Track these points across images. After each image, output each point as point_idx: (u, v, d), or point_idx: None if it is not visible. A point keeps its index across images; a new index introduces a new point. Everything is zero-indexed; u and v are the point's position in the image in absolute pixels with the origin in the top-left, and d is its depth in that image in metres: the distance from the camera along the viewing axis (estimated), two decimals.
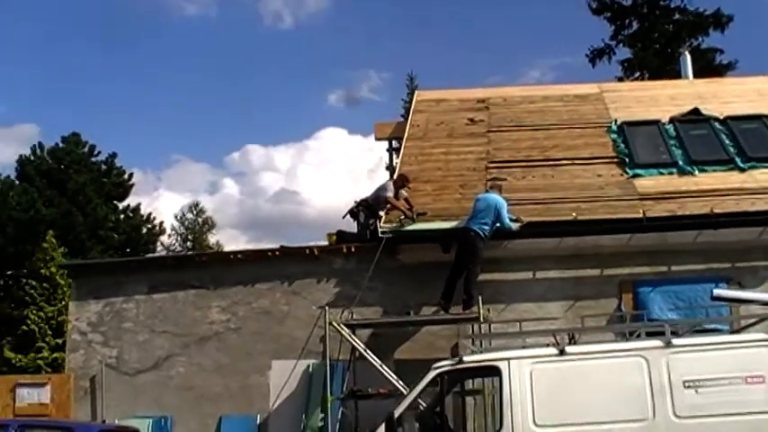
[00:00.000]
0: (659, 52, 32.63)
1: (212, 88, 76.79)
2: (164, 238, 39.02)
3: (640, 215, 13.93)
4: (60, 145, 35.03)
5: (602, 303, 13.85)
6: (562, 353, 9.39)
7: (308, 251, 14.99)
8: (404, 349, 14.10)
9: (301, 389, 14.25)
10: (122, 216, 35.23)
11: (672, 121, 16.88)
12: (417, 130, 17.61)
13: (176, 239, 42.54)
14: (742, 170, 15.21)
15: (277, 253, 15.22)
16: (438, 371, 9.63)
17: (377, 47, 75.58)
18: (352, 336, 13.49)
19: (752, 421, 8.69)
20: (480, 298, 13.20)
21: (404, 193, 14.93)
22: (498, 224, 13.55)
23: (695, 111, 17.06)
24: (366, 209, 14.96)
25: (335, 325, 13.33)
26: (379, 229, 14.31)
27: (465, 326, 13.44)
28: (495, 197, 13.76)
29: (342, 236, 15.30)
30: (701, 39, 33.63)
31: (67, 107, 72.84)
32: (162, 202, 65.47)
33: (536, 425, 9.02)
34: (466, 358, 9.70)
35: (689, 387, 8.93)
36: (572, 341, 10.29)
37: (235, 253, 15.98)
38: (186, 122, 77.22)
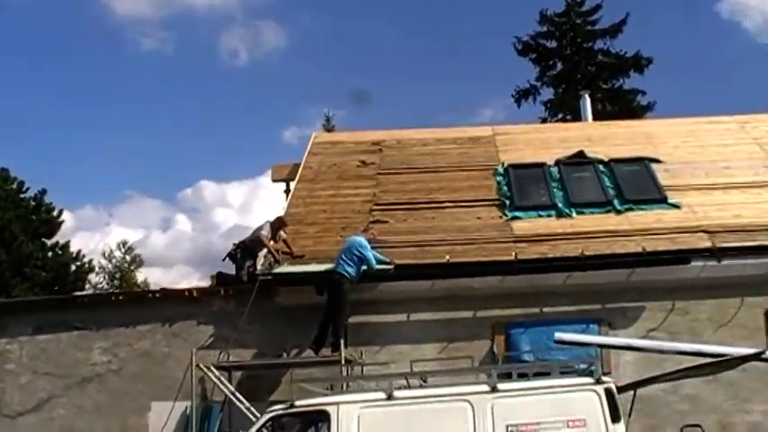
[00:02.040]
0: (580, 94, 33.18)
1: (165, 124, 76.62)
2: (92, 276, 38.65)
3: (512, 257, 14.10)
4: None
5: (475, 345, 13.89)
6: (390, 397, 9.48)
7: (187, 293, 15.06)
8: (280, 391, 14.07)
9: (179, 431, 14.20)
10: (50, 253, 34.90)
11: (557, 163, 17.16)
12: (309, 173, 17.74)
13: (104, 277, 42.17)
14: (618, 212, 15.50)
15: (157, 295, 15.27)
16: (269, 415, 9.78)
17: (332, 84, 75.80)
18: (222, 378, 13.51)
19: None
20: (343, 340, 13.29)
21: (283, 234, 15.04)
22: (365, 265, 13.67)
23: (580, 153, 17.36)
24: (244, 251, 15.01)
25: (202, 367, 13.34)
26: (258, 271, 14.43)
27: (313, 369, 13.44)
28: (355, 238, 13.89)
29: (221, 278, 15.38)
30: (622, 80, 34.36)
31: (18, 141, 72.32)
32: (113, 238, 64.88)
33: None
34: (297, 402, 9.78)
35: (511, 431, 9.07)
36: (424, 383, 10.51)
37: (116, 294, 16.10)
38: (139, 158, 76.85)
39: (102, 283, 41.35)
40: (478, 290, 14.08)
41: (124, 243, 46.12)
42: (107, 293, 16.00)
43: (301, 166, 18.02)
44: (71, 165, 70.05)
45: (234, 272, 15.12)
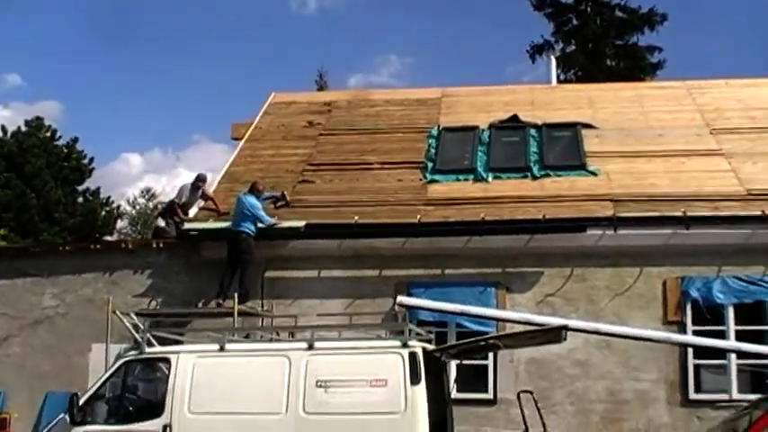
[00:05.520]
0: (591, 50, 32.86)
1: (233, 72, 77.88)
2: (119, 222, 40.32)
3: (416, 220, 14.73)
4: (23, 129, 36.39)
5: (378, 302, 14.55)
6: (222, 349, 10.48)
7: (123, 245, 16.28)
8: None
9: None
10: (80, 199, 36.53)
11: (490, 126, 17.44)
12: (258, 132, 18.50)
13: (127, 224, 43.80)
14: (535, 178, 15.84)
15: (99, 246, 16.48)
16: (122, 360, 10.91)
17: (399, 31, 75.79)
18: (139, 324, 14.49)
19: (365, 420, 9.59)
20: (246, 293, 14.28)
21: (209, 191, 16.10)
22: (260, 223, 14.66)
23: (514, 117, 17.61)
24: (166, 211, 16.21)
25: (118, 314, 14.41)
26: (186, 227, 15.56)
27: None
28: (247, 199, 14.74)
29: (157, 231, 16.52)
30: (637, 36, 33.78)
31: (93, 86, 75.55)
32: (181, 180, 66.75)
33: (190, 412, 10.12)
34: (147, 350, 10.86)
35: (320, 386, 9.89)
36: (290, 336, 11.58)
37: (63, 245, 17.30)
38: (206, 105, 79.05)
39: (126, 228, 43.07)
40: (383, 250, 14.75)
41: (148, 190, 47.67)
42: (56, 244, 17.41)
43: (252, 126, 18.80)
44: (140, 110, 72.99)
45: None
